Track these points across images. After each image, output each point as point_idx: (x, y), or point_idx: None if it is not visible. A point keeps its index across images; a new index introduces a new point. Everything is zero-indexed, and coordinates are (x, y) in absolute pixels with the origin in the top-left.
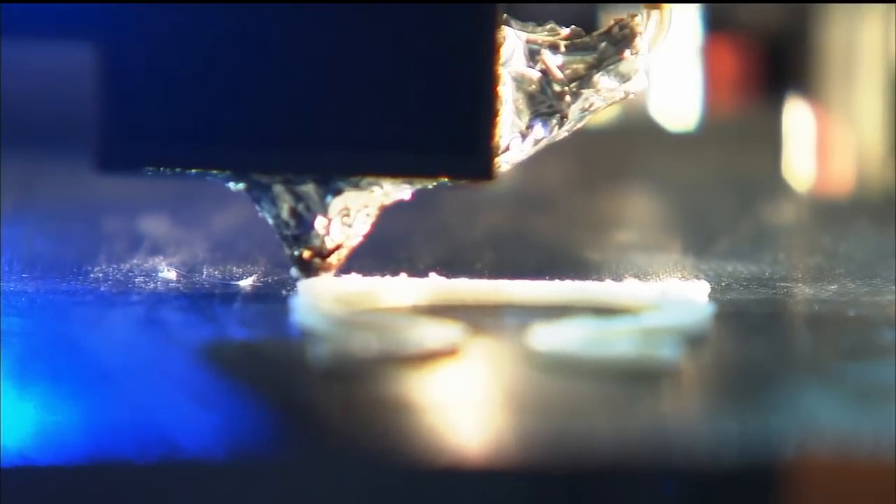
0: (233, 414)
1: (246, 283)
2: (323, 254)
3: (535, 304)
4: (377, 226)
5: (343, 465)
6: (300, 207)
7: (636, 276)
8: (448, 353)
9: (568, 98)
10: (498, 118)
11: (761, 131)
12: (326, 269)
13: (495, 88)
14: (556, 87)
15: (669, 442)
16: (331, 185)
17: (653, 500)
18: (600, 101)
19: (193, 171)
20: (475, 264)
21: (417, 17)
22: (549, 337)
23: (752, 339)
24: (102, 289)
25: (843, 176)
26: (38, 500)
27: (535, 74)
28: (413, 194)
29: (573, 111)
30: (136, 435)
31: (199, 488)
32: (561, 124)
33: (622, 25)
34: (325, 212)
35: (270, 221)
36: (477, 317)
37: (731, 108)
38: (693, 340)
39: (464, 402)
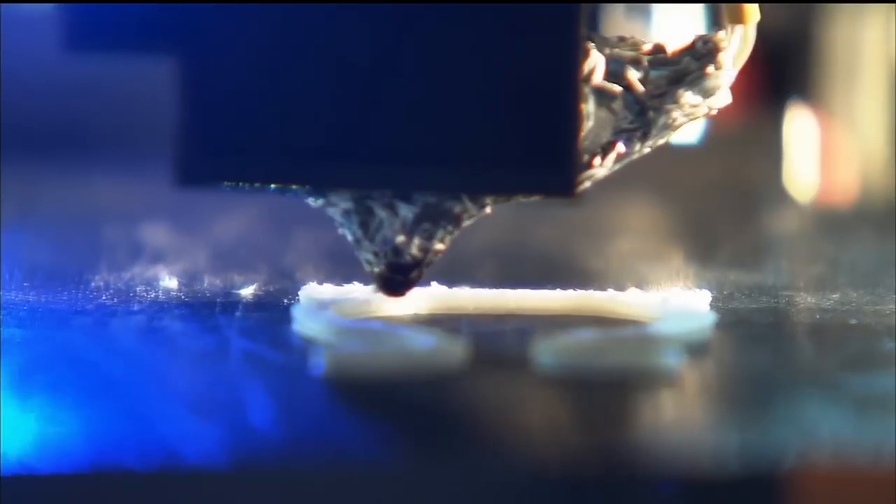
0: (233, 423)
1: (247, 291)
2: (402, 270)
3: (537, 312)
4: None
5: (347, 473)
6: (379, 224)
7: (638, 285)
8: (450, 361)
9: (650, 114)
10: (581, 134)
11: (762, 138)
12: (406, 285)
13: (578, 104)
14: (639, 103)
15: (671, 451)
16: (410, 200)
17: None
18: (683, 117)
19: (272, 186)
20: (476, 273)
21: (499, 32)
22: (552, 346)
23: (754, 348)
24: (103, 298)
25: (846, 184)
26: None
27: (617, 90)
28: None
29: (656, 127)
30: (136, 444)
31: (200, 498)
32: (643, 140)
33: (706, 40)
34: (403, 228)
35: (349, 238)
36: (478, 326)
37: (732, 114)
38: (695, 349)
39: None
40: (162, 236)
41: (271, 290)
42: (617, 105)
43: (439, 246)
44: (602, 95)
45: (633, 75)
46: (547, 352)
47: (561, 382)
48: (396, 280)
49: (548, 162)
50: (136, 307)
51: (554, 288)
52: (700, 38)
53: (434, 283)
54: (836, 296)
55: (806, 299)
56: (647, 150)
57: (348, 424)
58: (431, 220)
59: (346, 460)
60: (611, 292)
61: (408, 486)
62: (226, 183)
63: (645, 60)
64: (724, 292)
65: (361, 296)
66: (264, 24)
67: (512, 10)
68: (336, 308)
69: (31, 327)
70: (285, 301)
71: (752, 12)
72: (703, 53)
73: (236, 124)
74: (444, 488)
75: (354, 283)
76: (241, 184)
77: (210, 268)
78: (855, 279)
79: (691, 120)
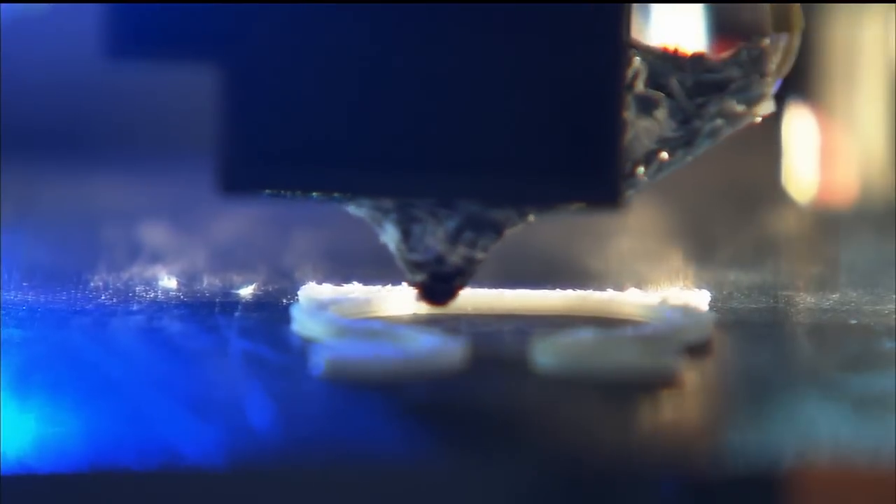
0: (232, 423)
1: (246, 291)
2: (444, 279)
3: (536, 312)
4: (377, 233)
5: (346, 474)
6: (421, 233)
7: (637, 285)
8: (450, 361)
9: (694, 122)
10: (625, 143)
11: (761, 138)
12: (448, 295)
13: (623, 112)
14: (682, 111)
15: (670, 451)
16: (453, 209)
17: None
18: (726, 126)
19: (315, 194)
20: (476, 273)
21: (543, 40)
22: (551, 347)
23: (753, 347)
24: (102, 298)
25: (845, 183)
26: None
27: (660, 98)
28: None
29: (699, 136)
30: (134, 444)
31: (199, 497)
32: (687, 149)
33: (750, 49)
34: (446, 237)
35: (391, 247)
36: (477, 326)
37: None
38: (694, 349)
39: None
40: (161, 236)
41: (270, 289)
42: (660, 113)
43: (481, 255)
44: (645, 104)
45: (676, 83)
46: (546, 352)
47: (560, 383)
48: (438, 289)
49: (592, 171)
50: (135, 307)
51: (553, 288)
52: (744, 45)
53: None
54: (835, 296)
55: (805, 299)
56: (689, 159)
57: (347, 425)
58: (474, 228)
59: (346, 460)
60: (610, 292)
61: (408, 486)
62: (267, 191)
63: (688, 68)
64: (724, 292)
65: (361, 296)
66: (307, 32)
67: (555, 17)
68: (335, 308)
69: (30, 328)
70: (284, 301)
71: (798, 20)
72: (747, 61)
73: (279, 132)
74: (444, 488)
75: (354, 282)
76: (282, 192)
77: (209, 267)
78: (854, 279)
79: (735, 128)
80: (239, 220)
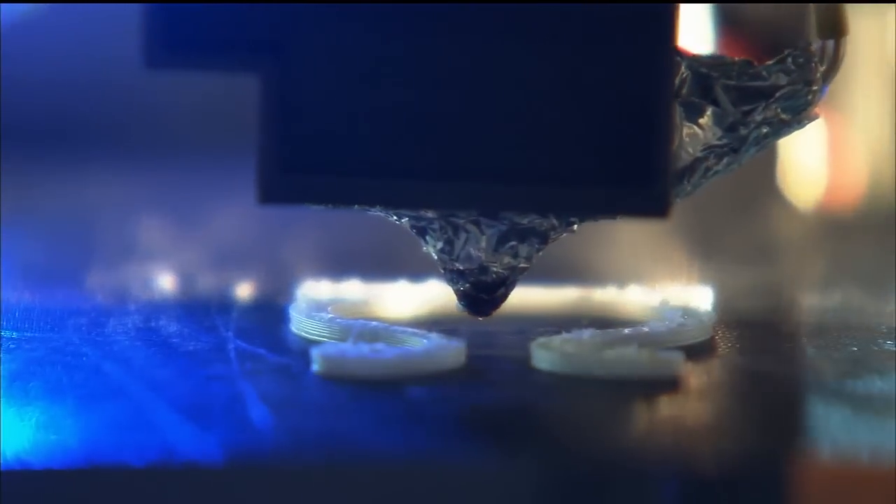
0: (229, 422)
1: (244, 290)
2: (487, 289)
3: (537, 311)
4: (377, 232)
5: (345, 473)
6: (464, 242)
7: (638, 284)
8: (449, 361)
9: (740, 130)
10: (672, 151)
11: None
12: (491, 304)
13: (670, 121)
14: (728, 119)
15: (671, 450)
16: (496, 218)
17: None
18: (773, 133)
19: (356, 205)
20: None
21: (591, 48)
22: (551, 346)
23: (754, 348)
24: (99, 297)
25: (848, 183)
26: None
27: (706, 105)
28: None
29: (746, 143)
30: (134, 442)
31: (197, 496)
32: (733, 156)
33: (796, 55)
34: (489, 246)
35: (434, 256)
36: (477, 324)
37: None
38: (695, 348)
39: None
40: (158, 235)
41: (268, 288)
42: (706, 121)
43: (524, 264)
44: (691, 111)
45: (722, 91)
46: (545, 352)
47: (560, 383)
48: (482, 299)
49: (639, 181)
50: (132, 307)
51: (554, 286)
52: (791, 52)
53: (433, 282)
54: (838, 296)
55: (808, 299)
56: (735, 166)
57: (345, 424)
58: (518, 237)
59: (344, 460)
60: (611, 291)
61: (406, 486)
62: (308, 202)
63: (734, 75)
64: (726, 291)
65: (359, 295)
66: (348, 43)
67: (603, 26)
68: (334, 308)
69: (27, 329)
70: (283, 300)
71: (845, 25)
72: (793, 68)
73: (320, 143)
74: (444, 488)
75: (352, 281)
76: (322, 203)
77: (207, 267)
78: (857, 279)
79: (780, 137)
80: (237, 218)
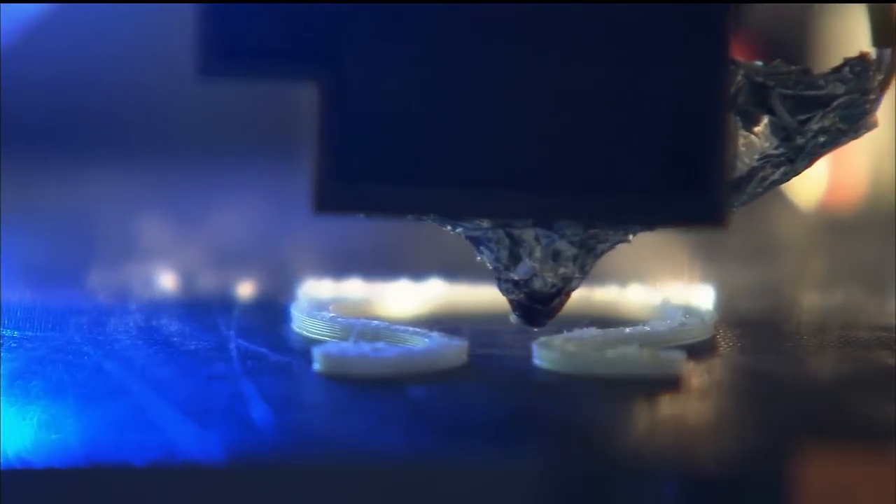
0: (231, 421)
1: (245, 289)
2: (542, 300)
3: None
4: (377, 231)
5: (345, 472)
6: (519, 252)
7: (640, 282)
8: (450, 360)
9: (797, 139)
10: (729, 160)
11: None
12: (546, 314)
13: (727, 130)
14: (785, 128)
15: (672, 449)
16: (552, 228)
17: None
18: (829, 142)
19: (411, 215)
20: (477, 269)
21: (645, 56)
22: (552, 345)
23: (756, 346)
24: (100, 296)
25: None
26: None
27: (762, 113)
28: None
29: (802, 153)
30: (136, 441)
31: (198, 495)
32: (789, 166)
33: (853, 64)
34: (544, 256)
35: (489, 266)
36: (478, 323)
37: None
38: (697, 347)
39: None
40: (159, 234)
41: (270, 287)
42: (762, 130)
43: (579, 274)
44: (747, 120)
45: (778, 100)
46: (547, 351)
47: (561, 382)
48: (536, 309)
49: (696, 190)
50: (133, 306)
51: None
52: (848, 61)
53: (434, 281)
54: (839, 295)
55: (809, 298)
56: (792, 175)
57: (346, 424)
58: (573, 247)
59: (345, 459)
60: (613, 289)
61: (406, 485)
62: (364, 211)
63: (790, 83)
64: (727, 290)
65: (361, 294)
66: (406, 52)
67: (659, 33)
68: (335, 306)
69: (28, 328)
70: (284, 299)
71: None
72: (850, 77)
73: (376, 152)
74: (443, 487)
75: (353, 280)
76: (377, 213)
77: (208, 265)
78: (858, 278)
79: (836, 146)
80: (239, 216)
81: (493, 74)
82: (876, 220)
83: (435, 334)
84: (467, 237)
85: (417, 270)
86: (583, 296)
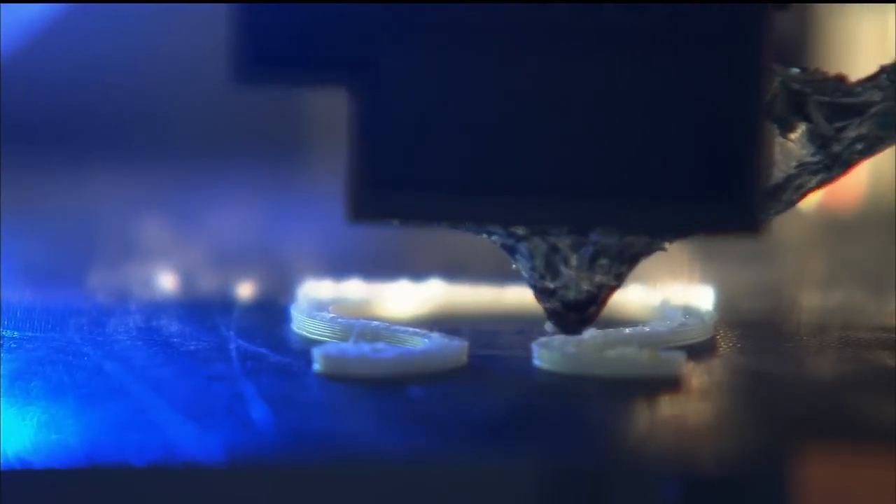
0: (231, 422)
1: (245, 289)
2: (577, 307)
3: (538, 310)
4: (377, 230)
5: (345, 472)
6: (555, 260)
7: (639, 283)
8: (450, 361)
9: (834, 146)
10: (765, 167)
11: None
12: (581, 323)
13: (763, 137)
14: (821, 135)
15: (672, 449)
16: (586, 237)
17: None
18: (866, 149)
19: (446, 222)
20: (477, 270)
21: (680, 62)
22: (551, 346)
23: (756, 346)
24: (100, 296)
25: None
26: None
27: (798, 121)
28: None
29: (838, 161)
30: (135, 441)
31: (198, 495)
32: (825, 173)
33: (890, 71)
34: (580, 264)
35: (525, 274)
36: (478, 324)
37: None
38: (697, 347)
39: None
40: (159, 235)
41: (269, 288)
42: (797, 137)
43: (615, 282)
44: (783, 127)
45: (815, 107)
46: (546, 351)
47: (560, 383)
48: (571, 317)
49: (732, 198)
50: (133, 306)
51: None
52: (884, 69)
53: (434, 282)
54: (839, 295)
55: (809, 298)
56: (828, 183)
57: (346, 424)
58: (608, 255)
59: (344, 459)
60: None
61: (406, 485)
62: (399, 219)
63: (827, 91)
64: (727, 291)
65: (361, 294)
66: (441, 59)
67: (695, 39)
68: (335, 307)
69: (28, 328)
70: (284, 300)
71: None
72: (886, 85)
73: (411, 160)
74: (443, 487)
75: (353, 280)
76: (412, 220)
77: (208, 266)
78: (858, 279)
79: (872, 154)
80: (239, 218)
81: (529, 80)
82: (876, 221)
83: (435, 335)
84: (502, 245)
85: (417, 271)
86: None
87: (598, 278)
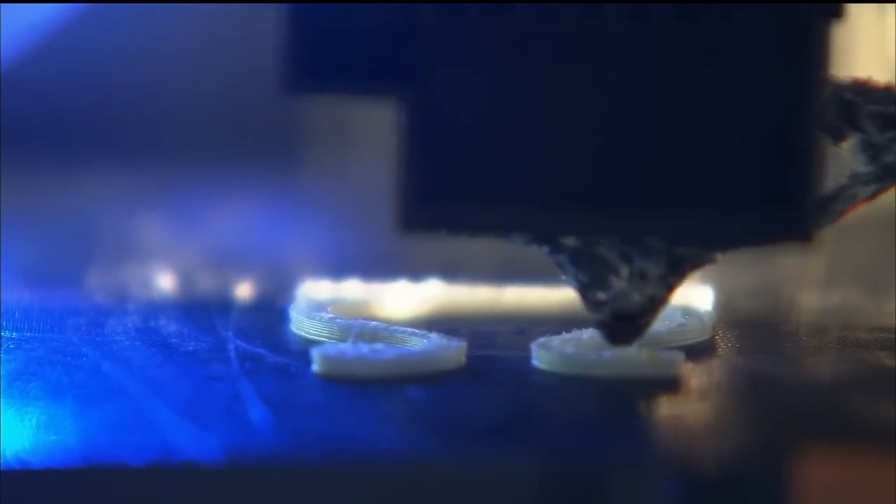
0: (229, 423)
1: (243, 290)
2: (628, 318)
3: (536, 311)
4: (377, 229)
5: (344, 473)
6: (604, 271)
7: None
8: (449, 361)
9: (885, 156)
10: (817, 177)
11: None
12: (632, 334)
13: (816, 148)
14: (873, 144)
15: (671, 450)
16: (637, 246)
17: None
18: None
19: (496, 233)
20: (476, 270)
21: (732, 72)
22: (550, 346)
23: (755, 346)
24: (99, 297)
25: None
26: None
27: (850, 130)
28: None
29: (889, 170)
30: (134, 442)
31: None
32: (878, 184)
33: None
34: (630, 275)
35: (574, 285)
36: (477, 324)
37: None
38: (696, 348)
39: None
40: (157, 235)
41: (268, 288)
42: (849, 147)
43: (666, 293)
44: (834, 137)
45: (867, 117)
46: (545, 352)
47: (559, 383)
48: (622, 328)
49: (784, 209)
50: (131, 307)
51: (554, 286)
52: None
53: (432, 282)
54: (838, 295)
55: (808, 298)
56: (880, 193)
57: (345, 424)
58: (659, 266)
59: (344, 460)
60: None
61: (406, 486)
62: (449, 230)
63: (880, 101)
64: (726, 291)
65: (359, 295)
66: (495, 69)
67: (747, 50)
68: (334, 307)
69: (27, 329)
70: (282, 300)
71: None
72: None
73: (462, 171)
74: (443, 487)
75: (352, 281)
76: (461, 231)
77: (207, 266)
78: (857, 279)
79: None
80: (237, 218)
81: (580, 92)
82: (875, 221)
83: (434, 335)
84: (553, 256)
85: (416, 271)
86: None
87: (649, 290)
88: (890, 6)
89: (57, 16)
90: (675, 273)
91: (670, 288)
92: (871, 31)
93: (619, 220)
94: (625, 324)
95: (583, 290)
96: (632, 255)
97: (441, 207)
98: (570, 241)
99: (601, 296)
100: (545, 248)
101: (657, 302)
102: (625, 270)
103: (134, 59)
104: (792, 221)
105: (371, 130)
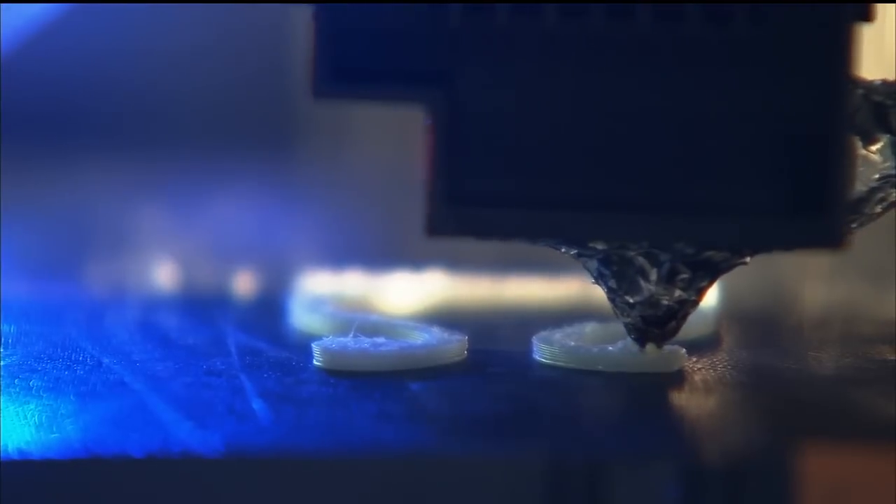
0: (229, 412)
1: (244, 282)
2: (657, 322)
3: (538, 305)
4: (377, 225)
5: (346, 466)
6: (634, 275)
7: None
8: (450, 355)
9: None
10: (848, 180)
11: None
12: (661, 338)
13: (846, 150)
14: None
15: (673, 444)
16: (667, 250)
17: (655, 500)
18: None
19: (525, 237)
20: (477, 264)
21: (762, 74)
22: (552, 340)
23: (758, 340)
24: (98, 290)
25: None
26: (36, 496)
27: (880, 133)
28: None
29: None
30: (135, 435)
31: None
32: None
33: None
34: (659, 279)
35: (604, 289)
36: (478, 317)
37: None
38: (699, 341)
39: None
40: (157, 227)
41: (268, 281)
42: (880, 149)
43: (695, 297)
44: (865, 139)
45: None
46: (547, 345)
47: (561, 377)
48: (651, 332)
49: (814, 212)
50: (130, 300)
51: (556, 279)
52: None
53: (434, 275)
54: (841, 289)
55: (811, 292)
56: None
57: (346, 418)
58: (689, 270)
59: (345, 453)
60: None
61: (406, 480)
62: (478, 234)
63: None
64: (729, 284)
65: (360, 288)
66: (523, 74)
67: (777, 51)
68: (334, 300)
69: (26, 322)
70: (283, 293)
71: None
72: None
73: (492, 175)
74: (443, 482)
75: (353, 273)
76: (489, 235)
77: (207, 259)
78: (861, 272)
79: None
80: (237, 210)
81: (610, 95)
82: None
83: (435, 329)
84: (582, 260)
85: (417, 263)
86: (583, 290)
87: (678, 293)
88: (890, 6)
89: (54, 8)
90: (705, 277)
91: (700, 291)
92: (871, 30)
93: (648, 224)
94: (654, 328)
95: (612, 293)
96: (661, 258)
97: (469, 212)
98: (600, 245)
99: (630, 300)
100: (573, 251)
101: (686, 305)
102: (654, 274)
103: (132, 50)
104: (824, 227)
105: (371, 121)
